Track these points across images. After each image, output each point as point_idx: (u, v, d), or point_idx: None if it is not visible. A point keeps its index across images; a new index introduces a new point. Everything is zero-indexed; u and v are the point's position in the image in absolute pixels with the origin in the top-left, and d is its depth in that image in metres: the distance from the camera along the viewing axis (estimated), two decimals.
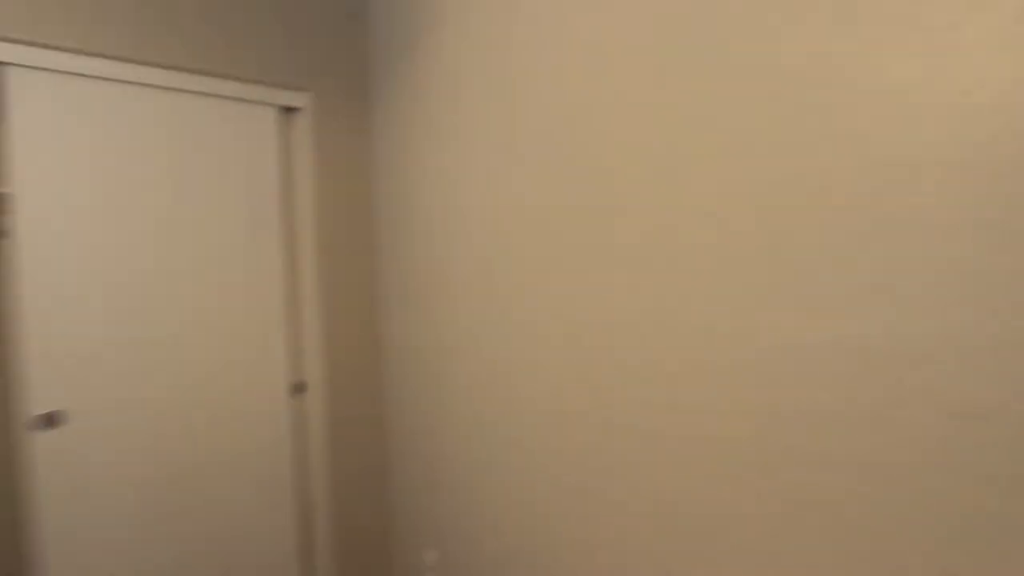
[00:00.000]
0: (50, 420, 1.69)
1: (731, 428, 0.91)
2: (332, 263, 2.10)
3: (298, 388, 2.13)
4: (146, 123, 1.80)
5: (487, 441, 1.49)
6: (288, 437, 2.08)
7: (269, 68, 1.96)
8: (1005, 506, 0.68)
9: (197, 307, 1.90)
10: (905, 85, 0.75)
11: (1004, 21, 0.66)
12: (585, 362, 1.13)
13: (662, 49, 1.00)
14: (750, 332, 0.88)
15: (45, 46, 1.62)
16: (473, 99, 1.44)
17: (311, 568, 2.17)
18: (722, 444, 0.92)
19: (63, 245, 1.68)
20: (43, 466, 1.67)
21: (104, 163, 1.74)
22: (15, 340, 1.69)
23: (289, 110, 2.07)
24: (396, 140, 1.95)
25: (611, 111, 1.09)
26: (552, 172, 1.20)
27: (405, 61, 1.85)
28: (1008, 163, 0.67)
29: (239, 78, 1.91)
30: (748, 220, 0.89)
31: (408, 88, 1.83)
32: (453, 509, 1.68)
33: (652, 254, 1.03)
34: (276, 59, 1.98)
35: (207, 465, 1.92)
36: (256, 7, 1.93)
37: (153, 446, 1.82)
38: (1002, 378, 0.68)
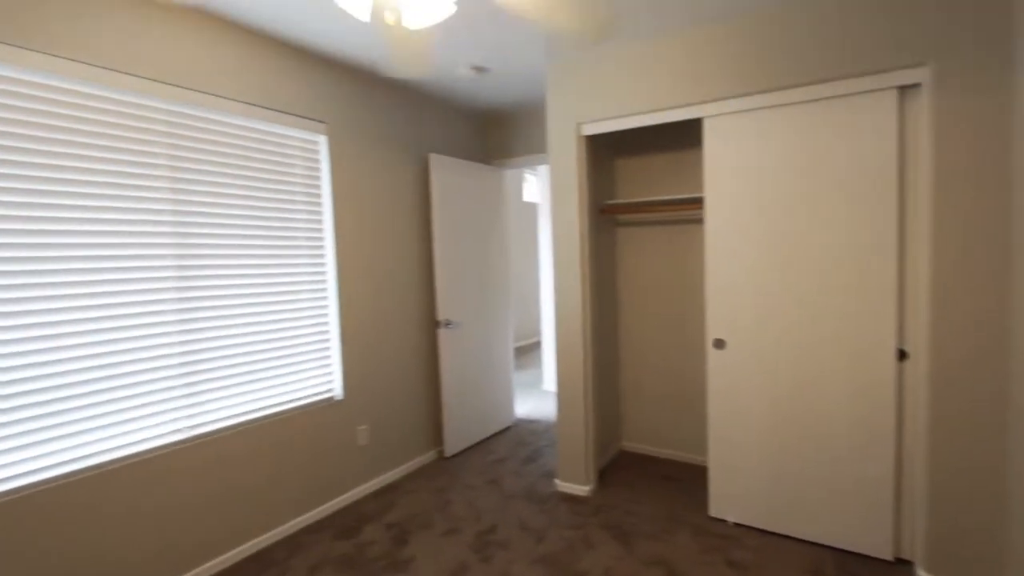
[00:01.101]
0: (720, 343, 2.65)
1: None
2: (947, 235, 2.06)
3: (901, 354, 2.25)
4: (773, 134, 2.41)
5: None
6: (891, 398, 2.25)
7: (881, 55, 2.13)
8: None
9: (817, 269, 2.38)
10: None
11: None
12: None
13: None
14: None
15: (720, 99, 2.50)
16: None
17: (900, 523, 2.29)
18: None
19: (727, 227, 2.57)
20: (712, 372, 2.68)
21: (746, 165, 2.49)
22: (703, 287, 2.75)
23: (906, 88, 2.16)
24: None
25: None
26: None
27: None
28: None
29: (847, 75, 2.20)
30: None
31: None
32: None
33: None
34: (886, 44, 2.11)
35: (815, 398, 2.42)
36: (861, 6, 2.13)
37: (778, 370, 2.50)
38: None
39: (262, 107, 2.53)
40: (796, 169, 2.40)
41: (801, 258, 2.41)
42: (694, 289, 3.38)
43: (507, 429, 4.21)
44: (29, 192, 1.83)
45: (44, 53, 1.84)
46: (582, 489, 3.04)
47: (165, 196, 2.19)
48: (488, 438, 4.01)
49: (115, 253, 2.05)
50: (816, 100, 2.32)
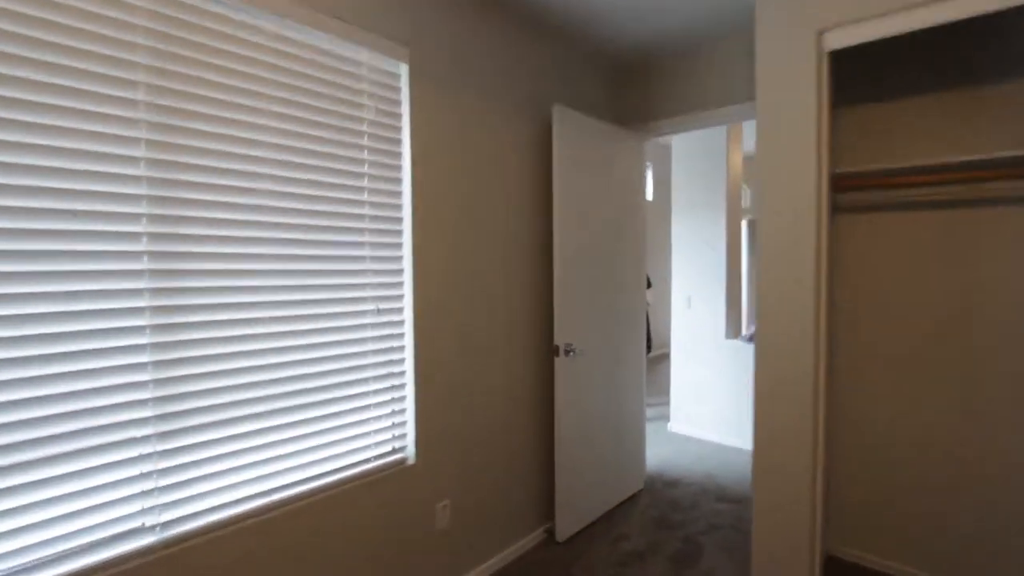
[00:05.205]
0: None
1: None
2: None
3: None
4: None
5: None
6: None
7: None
8: None
9: None
10: None
11: None
12: None
13: None
14: None
15: None
16: None
17: None
18: None
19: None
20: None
21: None
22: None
23: None
24: None
25: None
26: None
27: None
28: None
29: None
30: None
31: None
32: None
33: None
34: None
35: None
36: None
37: None
38: None
39: (311, 8, 1.61)
40: None
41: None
42: (991, 320, 2.01)
43: (636, 495, 3.05)
44: None
45: None
46: None
47: (139, 132, 1.31)
48: (613, 509, 2.87)
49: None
50: None
